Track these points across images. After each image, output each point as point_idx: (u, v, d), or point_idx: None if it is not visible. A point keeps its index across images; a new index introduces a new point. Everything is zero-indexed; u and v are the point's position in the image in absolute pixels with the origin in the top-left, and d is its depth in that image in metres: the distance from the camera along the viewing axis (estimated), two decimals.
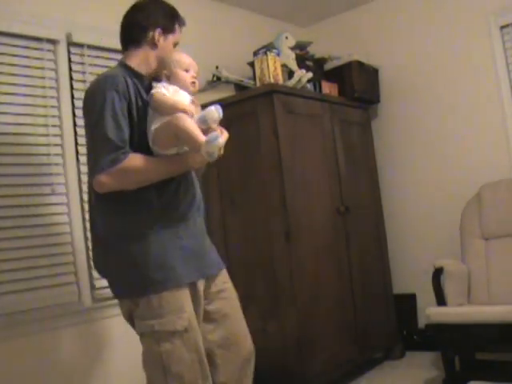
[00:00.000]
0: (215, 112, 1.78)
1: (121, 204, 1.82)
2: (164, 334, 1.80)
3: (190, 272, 1.84)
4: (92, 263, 2.87)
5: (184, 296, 1.82)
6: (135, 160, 1.76)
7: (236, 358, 1.99)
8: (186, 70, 1.93)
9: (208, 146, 1.68)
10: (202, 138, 1.70)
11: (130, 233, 1.81)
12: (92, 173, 1.78)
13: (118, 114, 1.76)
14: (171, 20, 2.01)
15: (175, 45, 2.04)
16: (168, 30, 1.99)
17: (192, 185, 1.97)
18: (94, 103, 1.79)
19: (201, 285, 1.90)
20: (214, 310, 1.98)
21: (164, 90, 1.83)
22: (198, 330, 1.85)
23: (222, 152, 1.75)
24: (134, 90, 1.85)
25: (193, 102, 1.88)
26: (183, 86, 1.90)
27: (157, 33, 1.96)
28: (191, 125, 1.72)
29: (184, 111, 1.75)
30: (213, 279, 1.97)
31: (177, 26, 2.03)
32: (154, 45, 1.96)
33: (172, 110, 1.76)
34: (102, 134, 1.73)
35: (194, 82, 1.93)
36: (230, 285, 2.06)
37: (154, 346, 1.82)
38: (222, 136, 1.75)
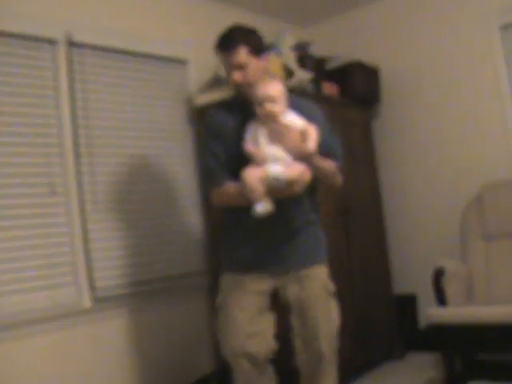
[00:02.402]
0: (275, 180, 1.97)
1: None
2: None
3: (233, 267, 2.23)
4: (92, 263, 2.87)
5: (226, 281, 2.24)
6: (226, 188, 2.13)
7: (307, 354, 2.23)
8: (260, 105, 2.02)
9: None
10: (256, 196, 1.95)
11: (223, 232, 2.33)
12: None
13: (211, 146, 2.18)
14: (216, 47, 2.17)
15: (231, 67, 2.11)
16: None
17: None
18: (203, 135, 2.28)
19: (249, 279, 2.18)
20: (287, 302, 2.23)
21: (248, 135, 2.06)
22: (233, 310, 2.18)
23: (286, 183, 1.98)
24: (227, 119, 2.17)
25: (271, 131, 2.02)
26: (262, 122, 2.04)
27: None
28: (250, 183, 1.96)
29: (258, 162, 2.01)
30: (283, 277, 2.19)
31: (219, 51, 2.15)
32: None
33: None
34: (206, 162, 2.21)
35: (268, 115, 2.01)
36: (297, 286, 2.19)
37: None
38: (263, 205, 1.96)
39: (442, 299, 3.11)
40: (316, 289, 2.20)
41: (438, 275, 3.15)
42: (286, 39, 3.38)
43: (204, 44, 3.55)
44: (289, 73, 3.33)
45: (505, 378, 2.74)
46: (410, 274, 3.93)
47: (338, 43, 4.18)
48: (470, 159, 3.69)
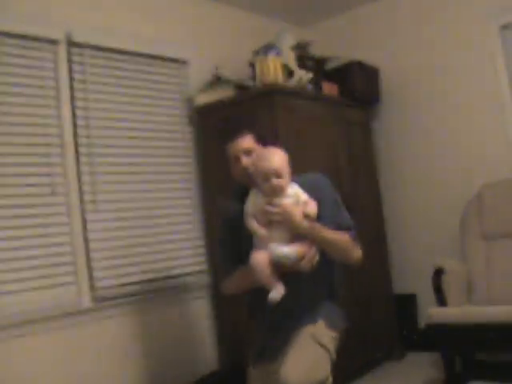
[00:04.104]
0: (285, 259, 1.96)
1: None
2: None
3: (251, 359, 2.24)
4: (92, 264, 2.87)
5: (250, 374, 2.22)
6: (234, 277, 2.18)
7: None
8: (265, 179, 1.97)
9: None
10: (269, 283, 1.95)
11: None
12: None
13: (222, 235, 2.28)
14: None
15: (239, 152, 2.14)
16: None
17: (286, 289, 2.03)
18: None
19: (256, 368, 2.17)
20: None
21: (248, 208, 2.03)
22: None
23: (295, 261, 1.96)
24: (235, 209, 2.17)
25: (271, 204, 1.98)
26: (266, 196, 2.00)
27: None
28: (261, 270, 1.96)
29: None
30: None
31: (229, 143, 2.19)
32: None
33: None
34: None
35: (275, 190, 1.97)
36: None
37: None
38: (277, 290, 1.96)
39: (441, 299, 3.11)
40: (298, 338, 2.05)
41: (438, 275, 3.15)
42: (286, 39, 3.38)
43: (204, 44, 3.58)
44: (289, 73, 3.33)
45: (504, 377, 2.74)
46: (409, 274, 3.93)
47: (338, 43, 4.18)
48: (470, 159, 3.69)
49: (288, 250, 1.95)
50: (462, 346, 2.98)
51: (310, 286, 2.12)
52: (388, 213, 4.01)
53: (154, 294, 3.09)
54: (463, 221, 3.49)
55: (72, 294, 2.78)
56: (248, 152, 2.13)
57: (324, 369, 2.03)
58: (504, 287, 3.18)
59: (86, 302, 2.82)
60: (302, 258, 1.96)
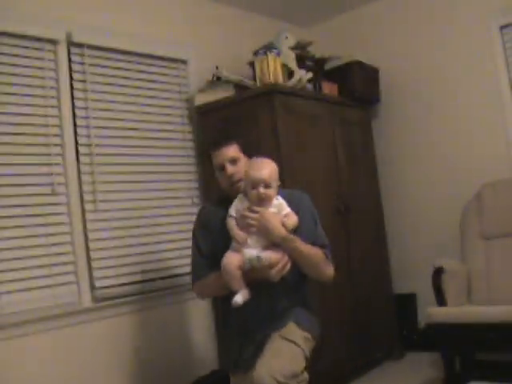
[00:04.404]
0: (256, 261, 2.03)
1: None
2: None
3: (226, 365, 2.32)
4: (92, 263, 2.88)
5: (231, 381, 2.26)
6: (207, 280, 2.22)
7: None
8: (253, 187, 2.05)
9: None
10: (236, 285, 2.02)
11: None
12: None
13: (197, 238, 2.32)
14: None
15: (225, 161, 2.20)
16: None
17: (257, 296, 2.07)
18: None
19: (234, 376, 2.21)
20: None
21: (232, 211, 2.11)
22: None
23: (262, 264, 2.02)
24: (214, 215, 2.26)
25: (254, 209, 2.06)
26: (252, 204, 2.08)
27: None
28: (230, 271, 2.03)
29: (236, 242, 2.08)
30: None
31: (214, 149, 2.24)
32: None
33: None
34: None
35: (262, 199, 2.05)
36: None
37: None
38: (241, 294, 2.03)
39: (441, 299, 3.11)
40: (270, 341, 2.09)
41: (438, 275, 3.15)
42: (286, 39, 3.38)
43: (204, 44, 3.58)
44: (289, 73, 3.33)
45: (504, 377, 2.73)
46: (409, 274, 3.93)
47: (338, 43, 4.18)
48: (470, 159, 3.69)
49: (260, 253, 2.02)
50: (462, 345, 2.98)
51: (282, 296, 2.16)
52: (388, 213, 4.01)
53: (154, 293, 3.09)
54: (463, 220, 3.49)
55: (72, 293, 2.79)
56: (233, 161, 2.19)
57: (297, 362, 2.05)
58: (504, 287, 3.17)
59: (86, 301, 2.82)
60: (273, 264, 2.01)
